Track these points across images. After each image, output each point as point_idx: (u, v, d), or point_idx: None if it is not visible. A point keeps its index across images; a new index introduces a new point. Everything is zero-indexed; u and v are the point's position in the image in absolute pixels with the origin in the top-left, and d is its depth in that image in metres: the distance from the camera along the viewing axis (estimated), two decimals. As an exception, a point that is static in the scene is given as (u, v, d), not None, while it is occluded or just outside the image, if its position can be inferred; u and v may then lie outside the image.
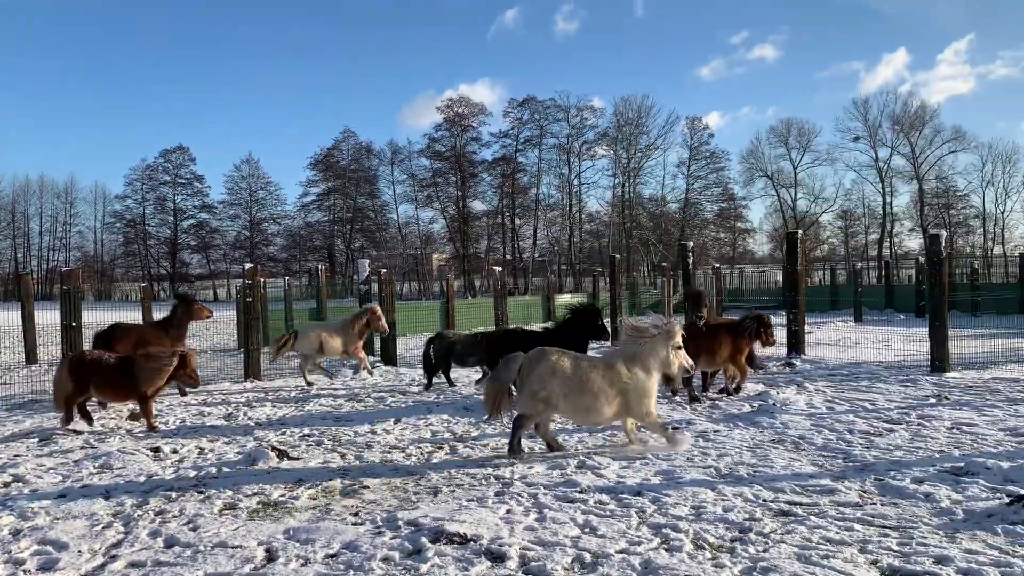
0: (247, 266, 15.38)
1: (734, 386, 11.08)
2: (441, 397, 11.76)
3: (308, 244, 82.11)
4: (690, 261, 18.86)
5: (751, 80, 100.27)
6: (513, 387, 7.79)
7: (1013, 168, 69.40)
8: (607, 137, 73.81)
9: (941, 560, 4.62)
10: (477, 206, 77.87)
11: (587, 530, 5.38)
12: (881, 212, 72.28)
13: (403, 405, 11.07)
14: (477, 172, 77.07)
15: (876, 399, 10.39)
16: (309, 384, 13.25)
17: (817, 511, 5.66)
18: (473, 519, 5.60)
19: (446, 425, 9.41)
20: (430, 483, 6.73)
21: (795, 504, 5.85)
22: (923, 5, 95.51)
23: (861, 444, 7.79)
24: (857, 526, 5.29)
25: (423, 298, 61.38)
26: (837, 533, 5.15)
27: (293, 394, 12.31)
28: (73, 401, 9.33)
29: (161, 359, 9.49)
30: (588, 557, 4.86)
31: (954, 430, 8.34)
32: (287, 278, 32.12)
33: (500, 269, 23.72)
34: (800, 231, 17.85)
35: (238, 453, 8.02)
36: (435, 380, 12.83)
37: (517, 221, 76.65)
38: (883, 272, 46.03)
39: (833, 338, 21.11)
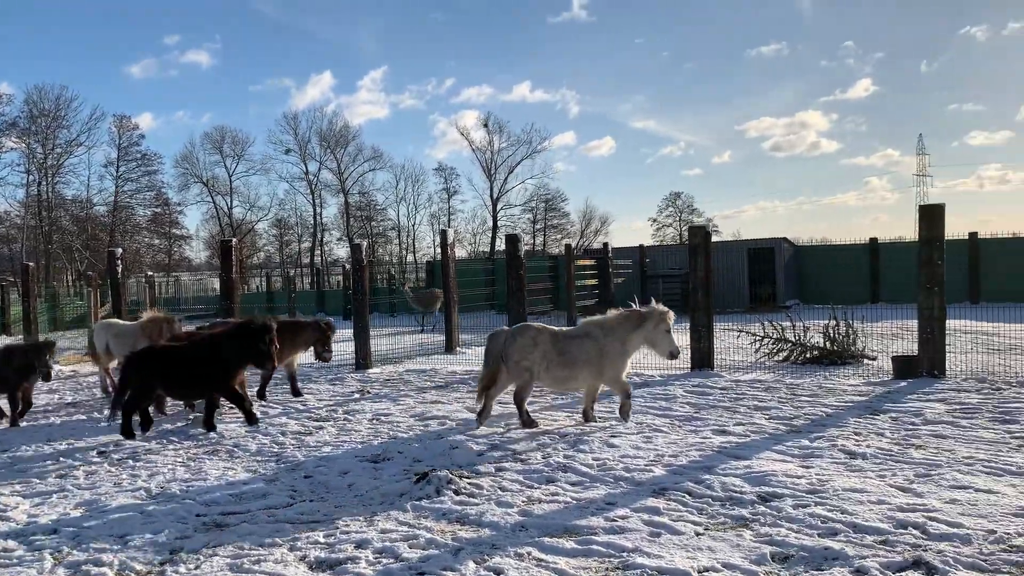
0: None
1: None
2: None
3: None
4: (119, 269, 17.55)
5: (185, 84, 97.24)
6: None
7: (420, 187, 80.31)
8: (17, 128, 64.39)
9: (361, 544, 5.06)
10: None
11: (-15, 586, 4.60)
12: (312, 222, 76.76)
13: None
14: None
15: (308, 399, 10.96)
16: None
17: (250, 517, 5.72)
18: None
19: None
20: None
21: (229, 514, 5.83)
22: (347, 33, 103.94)
23: (293, 444, 8.12)
24: (288, 525, 5.50)
25: None
26: (269, 536, 5.27)
27: None
28: None
29: None
30: (-15, 618, 4.16)
31: (374, 421, 9.23)
32: None
33: None
34: (236, 239, 17.94)
35: None
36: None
37: None
38: (315, 278, 48.86)
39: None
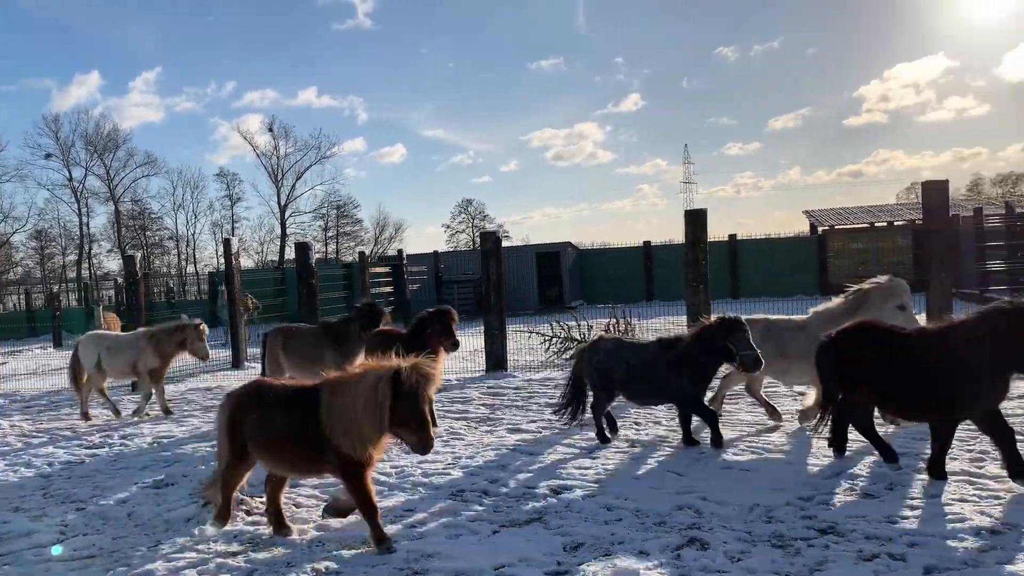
0: None
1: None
2: None
3: None
4: None
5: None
6: None
7: (200, 193, 75.69)
8: None
9: (145, 575, 4.74)
10: None
11: None
12: (79, 233, 70.32)
13: None
14: None
15: (76, 425, 10.07)
16: None
17: (14, 559, 5.19)
18: None
19: None
20: None
21: (-14, 558, 5.26)
22: (116, 31, 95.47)
23: (63, 475, 7.44)
24: (58, 564, 5.04)
25: None
26: (36, 577, 4.82)
27: None
28: None
29: None
30: None
31: (154, 444, 8.64)
32: None
33: None
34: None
35: None
36: None
37: None
38: (82, 293, 44.91)
39: (31, 367, 19.67)
